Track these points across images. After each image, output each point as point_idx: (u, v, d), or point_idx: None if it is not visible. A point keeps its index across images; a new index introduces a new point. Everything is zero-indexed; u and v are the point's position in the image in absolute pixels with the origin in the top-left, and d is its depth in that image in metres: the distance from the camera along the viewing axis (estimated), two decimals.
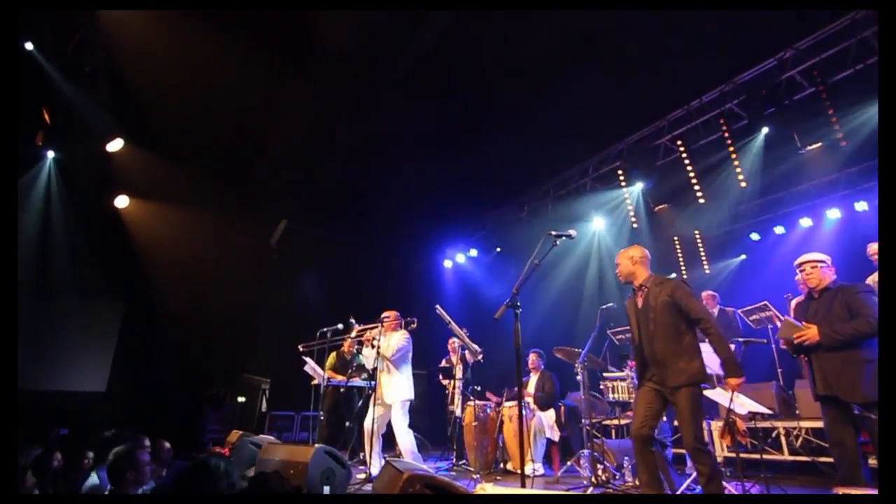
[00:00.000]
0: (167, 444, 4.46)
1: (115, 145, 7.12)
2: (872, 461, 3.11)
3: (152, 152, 7.54)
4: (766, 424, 4.99)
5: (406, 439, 4.70)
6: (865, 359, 2.97)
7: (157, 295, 8.29)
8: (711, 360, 3.93)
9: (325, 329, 5.30)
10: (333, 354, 6.61)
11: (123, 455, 2.93)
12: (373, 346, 4.81)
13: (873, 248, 5.05)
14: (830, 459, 4.18)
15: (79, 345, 7.72)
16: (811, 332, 3.12)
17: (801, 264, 3.44)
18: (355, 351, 6.22)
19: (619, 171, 7.89)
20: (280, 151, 8.51)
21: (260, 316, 8.89)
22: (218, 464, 2.60)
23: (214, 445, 6.25)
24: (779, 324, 5.34)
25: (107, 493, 3.05)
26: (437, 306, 5.00)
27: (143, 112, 7.10)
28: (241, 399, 8.67)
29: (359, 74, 7.27)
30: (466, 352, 5.94)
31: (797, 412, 4.99)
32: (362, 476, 4.54)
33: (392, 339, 4.92)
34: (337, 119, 8.11)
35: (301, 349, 5.57)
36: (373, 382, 4.82)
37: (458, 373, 6.34)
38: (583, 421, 4.73)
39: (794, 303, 5.58)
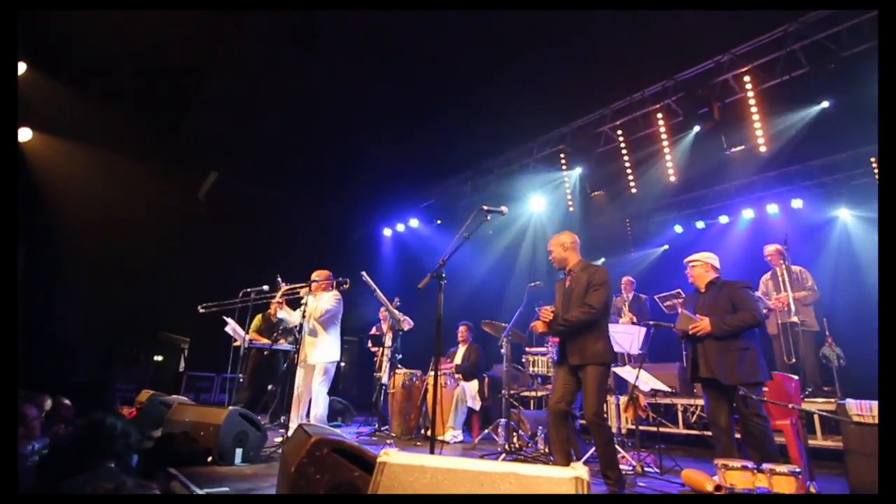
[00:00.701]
0: (67, 402, 4.17)
1: (18, 70, 6.28)
2: (737, 434, 3.50)
3: (64, 83, 6.74)
4: (667, 401, 5.43)
5: (320, 404, 4.65)
6: (741, 347, 3.36)
7: (66, 241, 7.56)
8: (623, 339, 4.18)
9: (248, 289, 5.08)
10: (259, 317, 6.40)
11: None
12: (294, 307, 4.66)
13: (769, 249, 5.59)
14: None
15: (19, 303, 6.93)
16: (704, 324, 3.43)
17: (685, 264, 3.82)
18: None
19: (562, 155, 8.06)
20: (215, 98, 7.90)
21: (183, 271, 8.38)
22: (114, 423, 2.46)
23: (122, 404, 5.91)
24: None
25: None
26: (363, 273, 4.93)
27: (54, 36, 6.30)
28: (157, 358, 8.23)
29: (304, 27, 6.83)
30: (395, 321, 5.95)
31: (695, 391, 5.46)
32: (279, 440, 4.48)
33: (321, 299, 4.81)
34: (279, 72, 7.62)
35: (201, 310, 5.25)
36: (296, 347, 4.70)
37: (388, 341, 6.35)
38: (503, 391, 4.91)
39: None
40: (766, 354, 3.69)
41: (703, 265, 3.68)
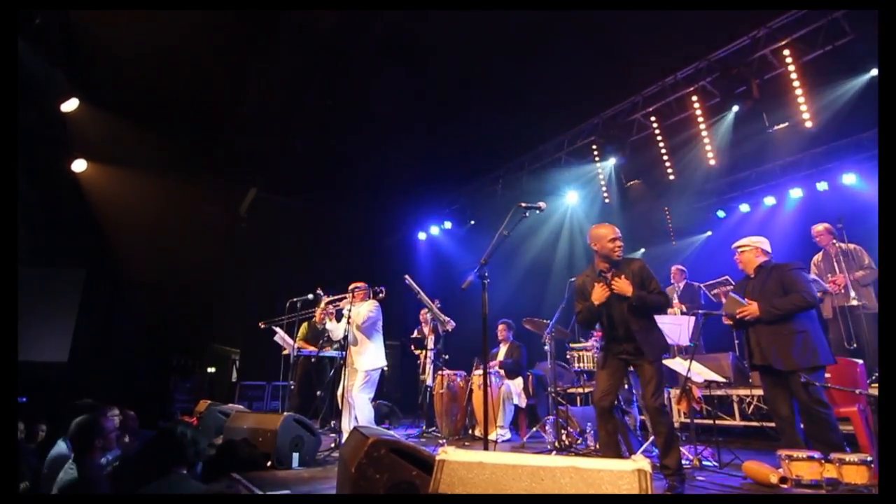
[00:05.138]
0: (132, 413, 4.42)
1: (70, 105, 6.71)
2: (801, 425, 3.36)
3: (111, 114, 7.16)
4: (721, 392, 5.24)
5: (363, 409, 4.75)
6: (795, 330, 3.22)
7: (121, 262, 8.02)
8: (671, 330, 4.08)
9: (295, 299, 5.25)
10: (305, 325, 6.59)
11: (89, 422, 2.89)
12: (339, 319, 4.81)
13: (817, 228, 5.31)
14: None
15: (38, 314, 7.43)
16: (752, 308, 3.33)
17: (734, 250, 3.70)
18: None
19: (594, 146, 7.92)
20: (250, 118, 8.20)
21: (230, 285, 8.73)
22: (184, 431, 2.59)
23: (183, 415, 6.21)
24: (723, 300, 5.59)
25: (71, 460, 2.99)
26: (407, 276, 5.01)
27: (100, 71, 6.70)
28: (210, 369, 8.58)
29: (330, 42, 7.00)
30: (438, 322, 6.00)
31: (750, 381, 5.25)
32: (332, 444, 4.59)
33: (361, 308, 4.93)
34: (309, 87, 7.84)
35: (262, 326, 5.50)
36: (343, 353, 4.83)
37: (430, 343, 6.41)
38: (549, 389, 4.87)
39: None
40: None
41: (752, 250, 3.56)
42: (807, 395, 3.11)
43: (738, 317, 3.39)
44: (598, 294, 3.19)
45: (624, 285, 3.12)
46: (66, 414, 3.32)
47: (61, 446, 3.23)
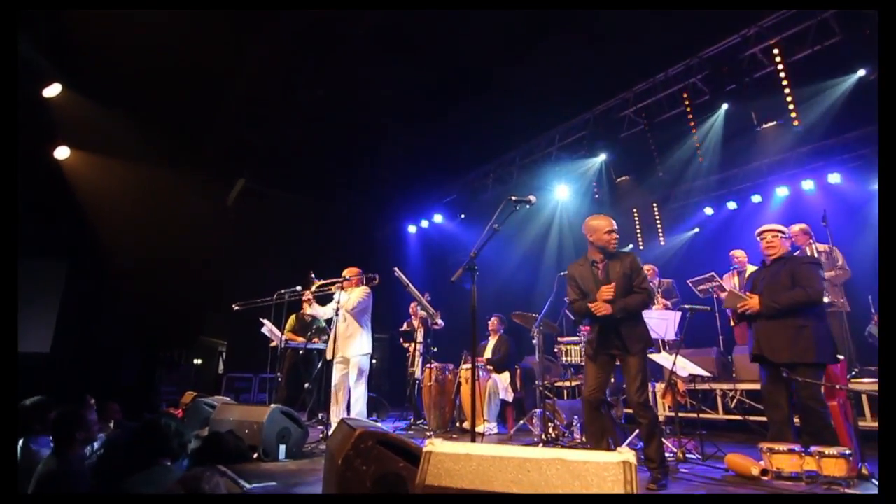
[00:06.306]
0: (114, 405, 4.38)
1: (53, 91, 6.55)
2: (795, 419, 3.40)
3: (96, 101, 7.00)
4: (705, 386, 5.32)
5: (360, 400, 4.77)
6: (797, 325, 3.20)
7: (105, 252, 7.88)
8: (658, 325, 4.12)
9: (283, 291, 5.21)
10: (293, 317, 6.55)
11: (69, 415, 2.84)
12: (321, 304, 4.82)
13: (793, 229, 5.34)
14: (761, 418, 4.53)
15: (19, 303, 7.27)
16: (753, 302, 3.33)
17: (762, 232, 3.57)
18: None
19: (585, 141, 7.95)
20: (239, 108, 8.07)
21: (217, 276, 8.63)
22: (169, 423, 2.56)
23: (168, 407, 6.15)
24: (723, 295, 5.63)
25: (51, 452, 2.94)
26: (396, 269, 5.00)
27: (84, 57, 6.54)
28: (197, 361, 8.49)
29: (321, 32, 6.91)
30: (428, 316, 6.00)
31: (734, 375, 5.34)
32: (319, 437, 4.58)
33: (353, 293, 4.92)
34: (299, 78, 7.73)
35: (236, 308, 5.43)
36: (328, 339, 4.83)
37: (420, 336, 6.41)
38: (536, 382, 4.90)
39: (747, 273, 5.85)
40: None
41: (787, 238, 3.51)
42: (806, 392, 3.11)
43: (738, 310, 3.41)
44: (598, 308, 3.17)
45: (605, 308, 3.12)
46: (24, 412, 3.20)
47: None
